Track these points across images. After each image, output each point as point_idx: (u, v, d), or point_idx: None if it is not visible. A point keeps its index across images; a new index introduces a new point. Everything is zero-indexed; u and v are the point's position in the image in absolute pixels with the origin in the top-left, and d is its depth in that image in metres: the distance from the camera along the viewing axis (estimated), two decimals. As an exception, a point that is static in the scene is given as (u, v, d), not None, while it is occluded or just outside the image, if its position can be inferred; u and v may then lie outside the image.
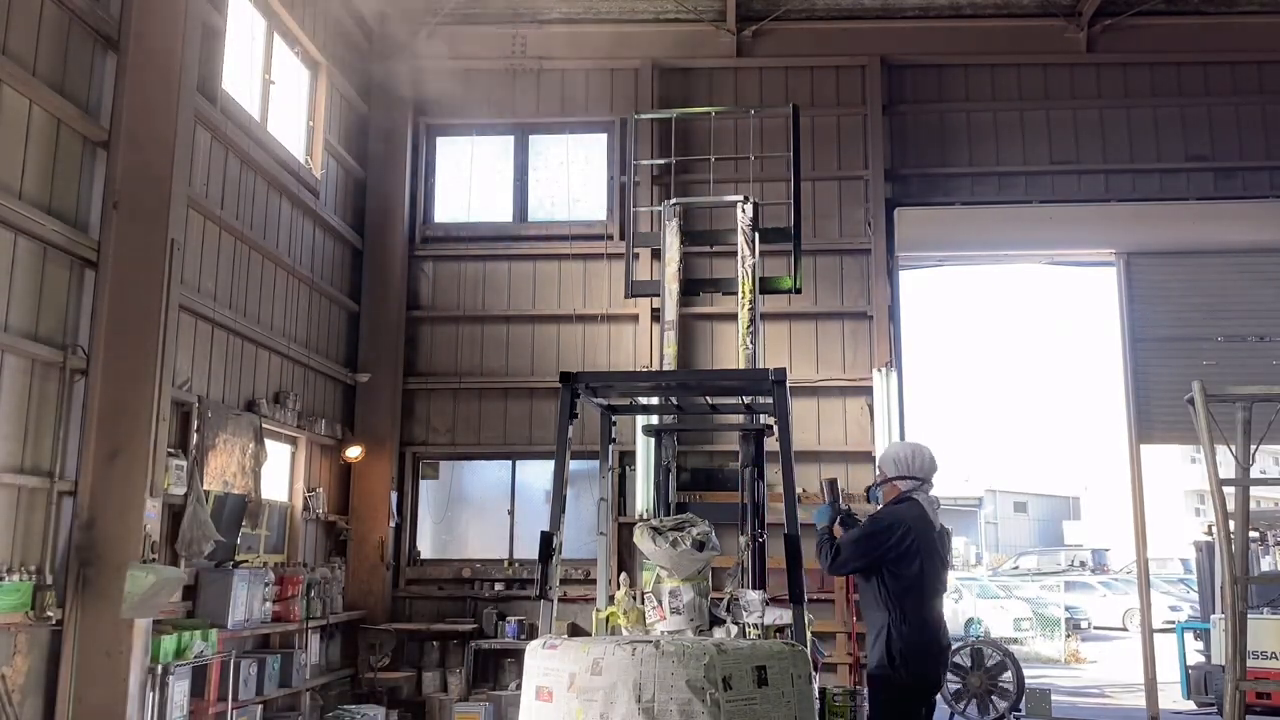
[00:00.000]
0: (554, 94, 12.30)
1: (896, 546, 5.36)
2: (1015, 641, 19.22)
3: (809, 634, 5.11)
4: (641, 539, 5.32)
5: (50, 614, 6.47)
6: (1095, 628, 25.07)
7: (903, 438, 10.97)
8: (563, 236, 11.97)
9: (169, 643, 7.19)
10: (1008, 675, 11.13)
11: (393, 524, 11.31)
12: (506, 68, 12.24)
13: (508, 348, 11.86)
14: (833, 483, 5.96)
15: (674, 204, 7.66)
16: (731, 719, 3.97)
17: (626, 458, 10.94)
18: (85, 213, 7.18)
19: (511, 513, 11.77)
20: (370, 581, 11.10)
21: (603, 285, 11.81)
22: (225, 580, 8.10)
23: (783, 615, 5.31)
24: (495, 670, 10.96)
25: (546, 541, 5.01)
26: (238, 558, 8.69)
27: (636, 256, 9.96)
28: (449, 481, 11.99)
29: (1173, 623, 15.54)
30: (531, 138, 12.48)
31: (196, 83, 7.85)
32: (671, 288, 7.38)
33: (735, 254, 7.36)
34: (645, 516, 9.94)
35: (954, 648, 11.87)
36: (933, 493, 5.66)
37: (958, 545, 39.72)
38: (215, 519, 8.01)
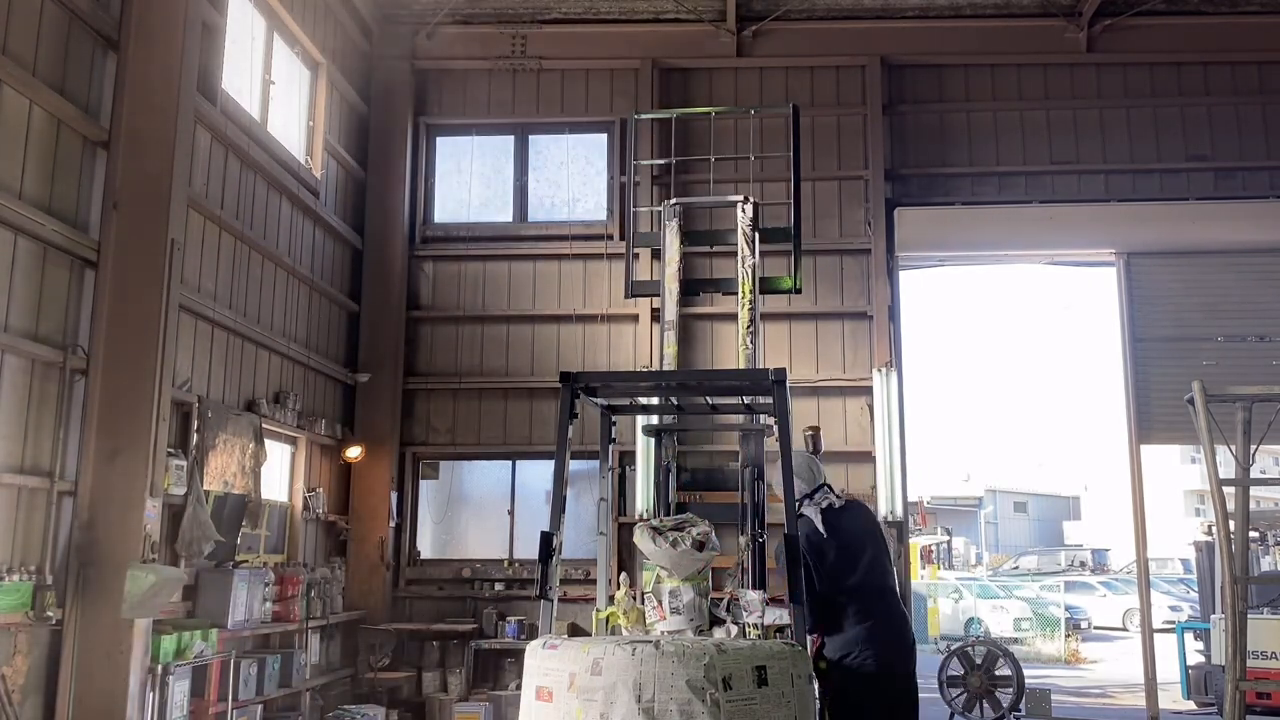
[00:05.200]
0: (554, 94, 12.30)
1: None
2: (1015, 641, 19.25)
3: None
4: (641, 539, 5.32)
5: (50, 614, 6.47)
6: (1095, 628, 25.08)
7: (903, 438, 10.98)
8: (563, 236, 11.97)
9: (169, 643, 7.19)
10: (1008, 675, 11.13)
11: (393, 524, 11.31)
12: (506, 68, 12.24)
13: (508, 348, 11.86)
14: (815, 433, 5.77)
15: (674, 204, 7.65)
16: (731, 719, 3.98)
17: (626, 458, 10.94)
18: (85, 213, 7.18)
19: (511, 513, 11.77)
20: (370, 581, 11.10)
21: (603, 285, 11.81)
22: (225, 580, 8.10)
23: (782, 615, 5.30)
24: (495, 670, 10.96)
25: (546, 541, 5.01)
26: (238, 558, 8.69)
27: (636, 256, 9.95)
28: (449, 481, 11.99)
29: (1173, 623, 15.55)
30: (531, 138, 12.48)
31: (196, 83, 7.86)
32: (671, 288, 7.37)
33: (735, 254, 7.36)
34: (645, 516, 9.94)
35: (953, 648, 11.93)
36: (835, 492, 5.55)
37: (958, 545, 39.72)
38: (215, 519, 8.01)
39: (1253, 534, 11.62)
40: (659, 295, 7.53)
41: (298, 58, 10.55)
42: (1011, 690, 11.03)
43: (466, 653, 10.78)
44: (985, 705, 11.10)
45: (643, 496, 10.58)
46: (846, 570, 5.38)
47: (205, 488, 7.99)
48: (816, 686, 5.16)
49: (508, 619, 10.97)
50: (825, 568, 5.31)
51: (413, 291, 11.98)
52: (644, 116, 10.99)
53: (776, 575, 5.50)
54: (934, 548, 31.78)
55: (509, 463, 11.85)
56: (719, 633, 5.22)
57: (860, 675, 5.23)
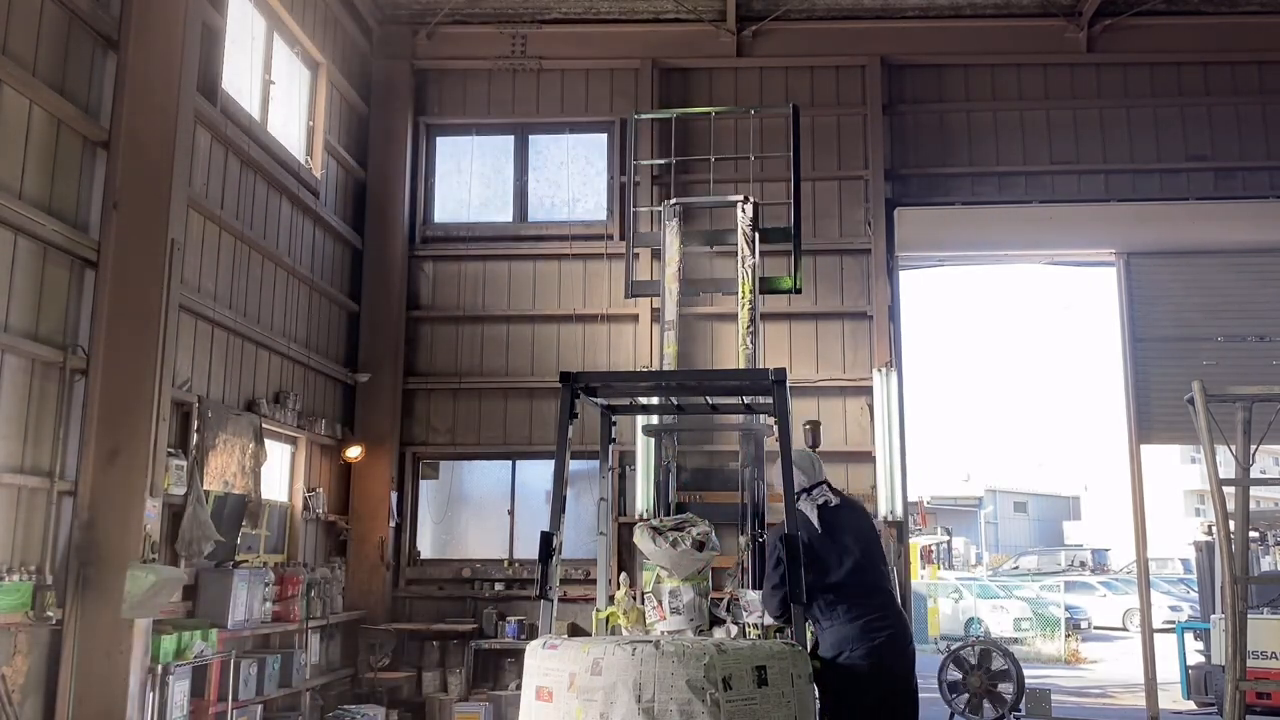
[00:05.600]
0: (554, 94, 12.31)
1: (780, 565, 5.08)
2: (1016, 641, 19.24)
3: (809, 634, 5.10)
4: (641, 539, 5.33)
5: (50, 614, 6.47)
6: (1095, 628, 25.08)
7: (903, 438, 10.98)
8: (563, 236, 11.97)
9: (169, 643, 7.19)
10: (1008, 675, 11.12)
11: (393, 524, 11.31)
12: (506, 68, 12.25)
13: (508, 348, 11.86)
14: (814, 427, 5.67)
15: (674, 204, 7.67)
16: (731, 719, 3.98)
17: (626, 458, 10.94)
18: (85, 213, 7.18)
19: (511, 513, 11.77)
20: (370, 581, 11.10)
21: (603, 285, 11.81)
22: (225, 580, 8.10)
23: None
24: (495, 670, 10.96)
25: (546, 541, 5.01)
26: (238, 558, 8.69)
27: (636, 256, 9.96)
28: (449, 481, 11.99)
29: (1173, 623, 15.55)
30: (531, 138, 12.48)
31: (196, 83, 7.85)
32: (671, 288, 7.39)
33: (735, 254, 7.38)
34: (645, 516, 9.95)
35: (953, 648, 11.92)
36: (829, 488, 5.38)
37: (958, 545, 39.71)
38: (215, 519, 8.01)
39: (1253, 534, 11.63)
40: (659, 295, 7.55)
41: (298, 58, 10.55)
42: (1011, 690, 11.03)
43: (466, 653, 10.78)
44: (985, 705, 11.09)
45: (643, 496, 10.58)
46: (835, 567, 5.29)
47: (205, 488, 7.99)
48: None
49: (508, 619, 10.97)
50: (815, 564, 5.23)
51: (413, 291, 11.98)
52: (644, 116, 10.99)
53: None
54: (934, 548, 31.78)
55: (509, 463, 11.85)
56: (719, 633, 5.23)
57: (853, 673, 5.18)
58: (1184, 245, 11.99)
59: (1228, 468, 6.48)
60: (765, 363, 7.39)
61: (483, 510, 11.97)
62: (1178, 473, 41.98)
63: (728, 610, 5.49)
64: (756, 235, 7.40)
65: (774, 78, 12.22)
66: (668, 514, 6.68)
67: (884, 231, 11.64)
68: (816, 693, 5.02)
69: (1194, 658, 12.69)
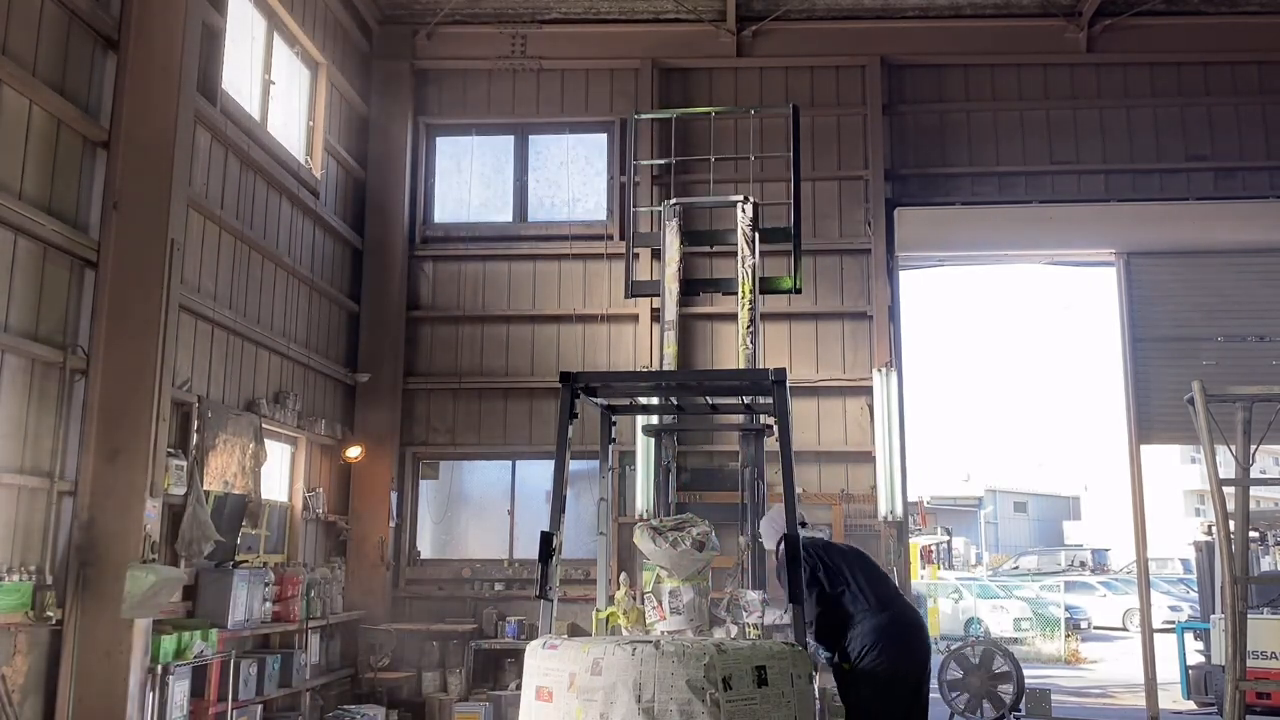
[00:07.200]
0: (554, 94, 12.30)
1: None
2: (1015, 641, 19.23)
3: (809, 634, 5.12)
4: (641, 539, 5.33)
5: (50, 614, 6.47)
6: (1095, 628, 25.07)
7: (903, 438, 10.99)
8: (563, 236, 11.97)
9: (169, 643, 7.19)
10: (1008, 675, 11.12)
11: (393, 524, 11.31)
12: (506, 68, 12.24)
13: (508, 348, 11.86)
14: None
15: (674, 204, 7.67)
16: (731, 719, 3.98)
17: (626, 458, 10.94)
18: (85, 213, 7.18)
19: (511, 513, 11.77)
20: (370, 581, 11.10)
21: (603, 285, 11.81)
22: (225, 580, 8.10)
23: (782, 615, 5.31)
24: (495, 670, 10.96)
25: (546, 541, 5.02)
26: (238, 558, 8.68)
27: (636, 256, 9.96)
28: (449, 481, 11.99)
29: (1173, 623, 15.54)
30: (531, 138, 12.48)
31: (196, 83, 7.86)
32: (671, 288, 7.39)
33: (735, 254, 7.37)
34: (645, 516, 9.95)
35: (953, 648, 11.93)
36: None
37: (958, 545, 39.74)
38: (215, 519, 8.01)
39: (1253, 534, 11.62)
40: (659, 295, 7.54)
41: (298, 58, 10.54)
42: (1011, 690, 11.02)
43: (466, 653, 10.78)
44: (986, 705, 11.09)
45: (643, 496, 10.59)
46: (849, 576, 5.51)
47: (205, 488, 7.99)
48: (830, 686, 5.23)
49: (508, 619, 10.97)
50: (829, 573, 5.46)
51: (413, 291, 11.98)
52: (644, 116, 10.99)
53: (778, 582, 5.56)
54: (934, 548, 31.74)
55: (509, 463, 11.85)
56: (719, 633, 5.24)
57: (874, 676, 5.32)
58: (1184, 245, 11.99)
59: (1228, 468, 6.49)
60: (765, 363, 7.39)
61: (482, 510, 11.98)
62: (1178, 473, 41.97)
63: (728, 610, 5.50)
64: (756, 235, 7.40)
65: (774, 78, 12.22)
66: (668, 514, 6.68)
67: (884, 231, 11.64)
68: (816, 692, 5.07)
69: (1194, 658, 12.68)
